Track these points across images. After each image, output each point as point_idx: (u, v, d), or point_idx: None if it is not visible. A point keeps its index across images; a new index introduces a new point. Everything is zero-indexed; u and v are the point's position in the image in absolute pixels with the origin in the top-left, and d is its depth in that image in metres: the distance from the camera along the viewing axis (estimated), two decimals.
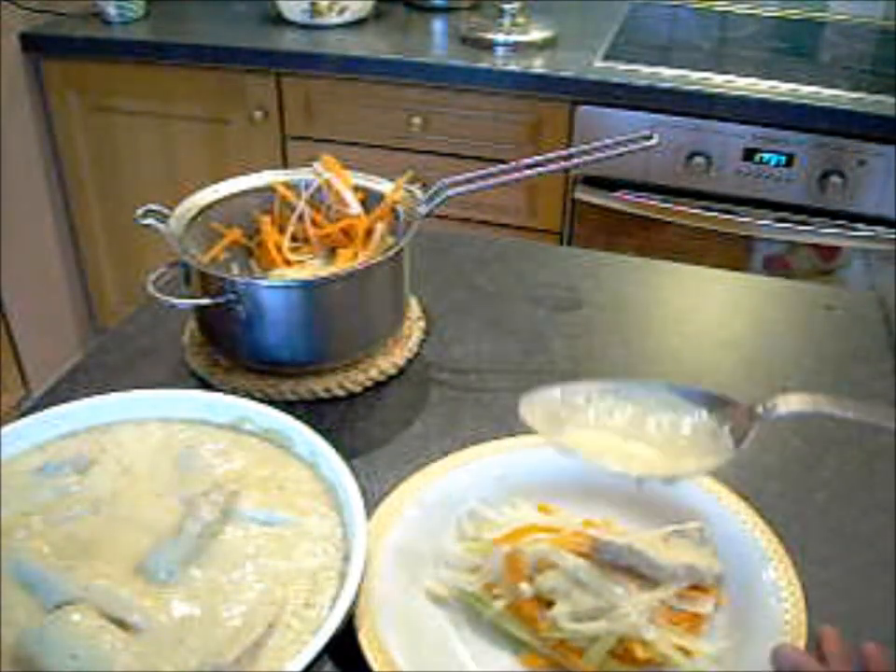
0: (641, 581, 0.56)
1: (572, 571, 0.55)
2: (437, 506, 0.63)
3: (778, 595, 0.56)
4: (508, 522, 0.61)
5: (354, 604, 0.52)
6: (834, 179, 1.43)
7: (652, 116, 1.48)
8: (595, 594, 0.55)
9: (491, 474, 0.66)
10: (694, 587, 0.57)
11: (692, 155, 1.49)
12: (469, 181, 0.77)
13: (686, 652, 0.54)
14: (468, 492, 0.64)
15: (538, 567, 0.56)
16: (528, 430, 0.59)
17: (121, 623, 0.50)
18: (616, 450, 0.58)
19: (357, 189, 0.81)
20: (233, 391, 0.73)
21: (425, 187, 0.79)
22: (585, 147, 0.79)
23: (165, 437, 0.63)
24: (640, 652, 0.53)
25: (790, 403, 0.57)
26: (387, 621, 0.54)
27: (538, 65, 1.56)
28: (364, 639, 0.53)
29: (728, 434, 0.59)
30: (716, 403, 0.61)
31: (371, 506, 0.60)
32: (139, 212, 0.76)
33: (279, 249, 0.80)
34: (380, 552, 0.58)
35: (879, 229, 1.45)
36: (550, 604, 0.55)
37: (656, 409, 0.60)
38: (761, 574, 0.58)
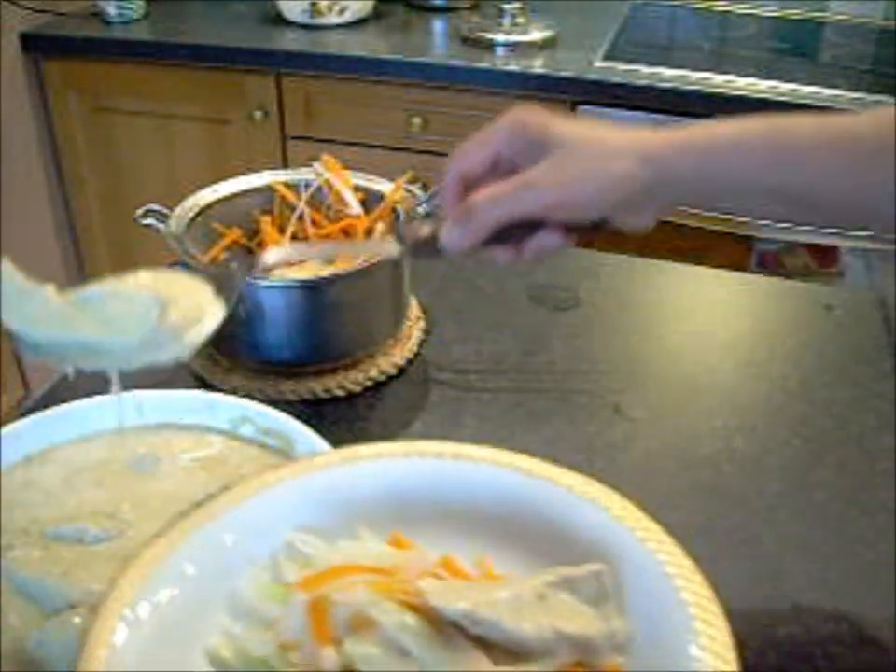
0: (503, 652, 0.39)
1: (395, 634, 0.38)
2: (242, 536, 0.46)
3: None
4: (343, 560, 0.45)
5: None
6: None
7: (652, 116, 1.48)
8: (422, 670, 0.38)
9: (321, 494, 0.48)
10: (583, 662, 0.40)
11: None
12: None
13: None
14: (286, 518, 0.47)
15: (352, 625, 0.39)
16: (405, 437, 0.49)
17: None
18: None
19: (357, 189, 0.81)
20: (233, 391, 0.73)
21: (425, 187, 0.79)
22: None
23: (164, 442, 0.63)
24: None
25: None
26: None
27: (538, 65, 1.56)
28: None
29: None
30: None
31: None
32: (139, 212, 0.76)
33: None
34: (147, 592, 0.42)
35: None
36: None
37: None
38: (685, 647, 0.39)
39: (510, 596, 0.40)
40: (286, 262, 0.62)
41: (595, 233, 0.58)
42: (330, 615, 0.40)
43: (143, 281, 0.53)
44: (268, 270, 0.61)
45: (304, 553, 0.46)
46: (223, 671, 0.42)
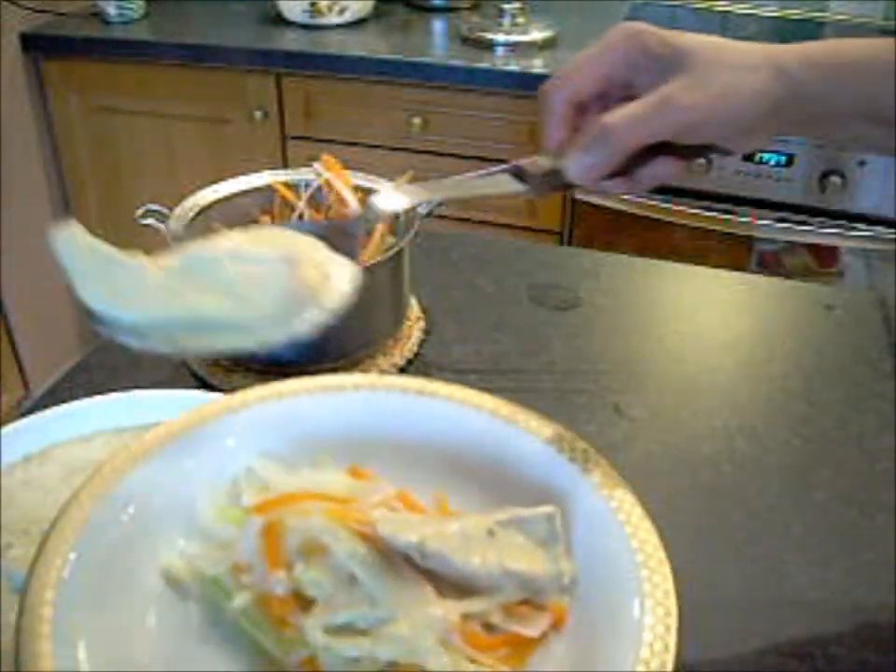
0: (451, 586, 0.40)
1: (345, 562, 0.39)
2: (203, 460, 0.46)
3: (639, 637, 0.38)
4: (301, 487, 0.45)
5: None
6: (834, 179, 1.43)
7: None
8: (369, 598, 0.39)
9: (285, 422, 0.49)
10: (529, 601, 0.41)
11: None
12: None
13: None
14: (249, 444, 0.48)
15: (304, 551, 0.40)
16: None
17: None
18: None
19: (356, 189, 0.81)
20: (233, 391, 0.73)
21: None
22: None
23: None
24: None
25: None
26: (83, 602, 0.39)
27: (538, 65, 1.56)
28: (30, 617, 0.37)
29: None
30: None
31: None
32: (139, 212, 0.76)
33: None
34: (107, 509, 0.42)
35: (879, 229, 1.45)
36: (312, 604, 0.40)
37: None
38: (629, 593, 0.40)
39: (460, 532, 0.41)
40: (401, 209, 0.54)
41: (701, 157, 0.54)
42: (284, 539, 0.40)
43: (249, 239, 0.44)
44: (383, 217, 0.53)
45: (263, 477, 0.46)
46: (176, 589, 0.43)
